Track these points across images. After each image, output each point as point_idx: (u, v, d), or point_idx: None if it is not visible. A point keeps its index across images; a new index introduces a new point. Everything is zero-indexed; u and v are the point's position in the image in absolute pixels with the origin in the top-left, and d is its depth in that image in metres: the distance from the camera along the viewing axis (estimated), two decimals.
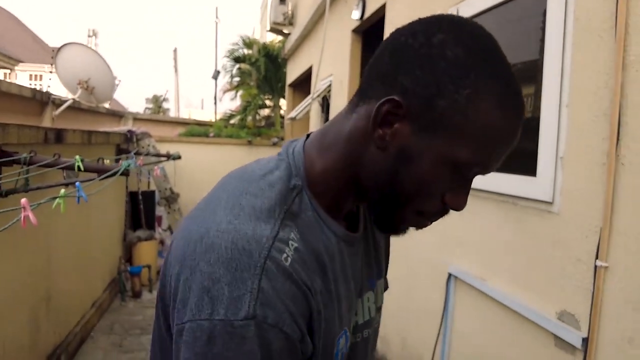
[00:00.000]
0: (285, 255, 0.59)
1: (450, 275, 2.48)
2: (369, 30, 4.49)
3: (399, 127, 0.62)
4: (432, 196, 0.65)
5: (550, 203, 1.74)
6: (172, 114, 24.37)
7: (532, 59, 1.92)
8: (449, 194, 0.65)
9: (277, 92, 11.80)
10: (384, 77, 0.64)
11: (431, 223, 0.70)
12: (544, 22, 1.82)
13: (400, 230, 0.71)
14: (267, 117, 12.91)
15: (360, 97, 0.68)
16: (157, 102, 28.95)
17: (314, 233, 0.66)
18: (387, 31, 3.51)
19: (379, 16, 3.87)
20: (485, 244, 2.19)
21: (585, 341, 1.54)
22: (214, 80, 18.19)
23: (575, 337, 1.58)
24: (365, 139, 0.66)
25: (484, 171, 0.65)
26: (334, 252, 0.69)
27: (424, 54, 0.61)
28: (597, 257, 1.50)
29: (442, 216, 0.69)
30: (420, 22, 0.65)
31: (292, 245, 0.61)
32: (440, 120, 0.60)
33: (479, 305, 2.23)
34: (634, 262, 1.38)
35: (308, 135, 0.75)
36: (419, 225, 0.71)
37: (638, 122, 1.38)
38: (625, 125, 1.41)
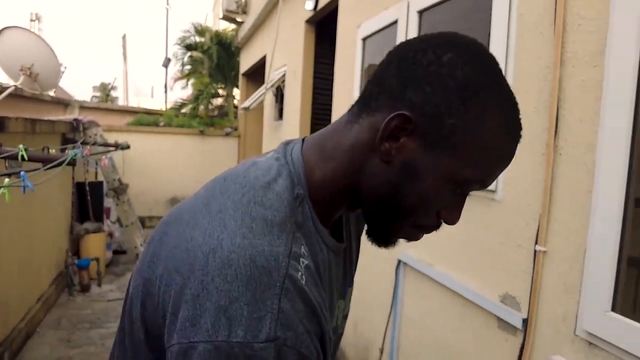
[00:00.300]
0: (300, 273, 0.58)
1: (399, 261, 2.55)
2: (323, 21, 4.51)
3: (405, 142, 0.63)
4: (430, 211, 0.66)
5: (494, 191, 1.82)
6: (121, 102, 23.64)
7: None
8: (444, 209, 0.67)
9: (231, 81, 11.62)
10: (390, 91, 0.64)
11: (422, 236, 0.72)
12: (490, 16, 1.89)
13: (391, 242, 0.72)
14: (220, 107, 12.71)
15: (362, 107, 0.67)
16: (104, 90, 27.92)
17: (313, 245, 0.65)
18: (340, 23, 3.54)
19: (332, 7, 3.89)
20: None
21: (525, 322, 1.62)
22: (164, 68, 17.77)
23: (516, 319, 1.66)
24: (368, 150, 0.65)
25: (482, 187, 0.67)
26: (326, 264, 0.68)
27: (433, 71, 0.61)
28: (536, 243, 1.58)
29: (435, 230, 0.70)
30: (427, 38, 0.65)
31: (302, 262, 0.60)
32: (447, 138, 0.61)
33: (426, 291, 2.30)
34: (569, 247, 1.46)
35: (303, 139, 0.73)
36: (412, 238, 0.71)
37: (574, 115, 1.46)
38: (563, 118, 1.50)
